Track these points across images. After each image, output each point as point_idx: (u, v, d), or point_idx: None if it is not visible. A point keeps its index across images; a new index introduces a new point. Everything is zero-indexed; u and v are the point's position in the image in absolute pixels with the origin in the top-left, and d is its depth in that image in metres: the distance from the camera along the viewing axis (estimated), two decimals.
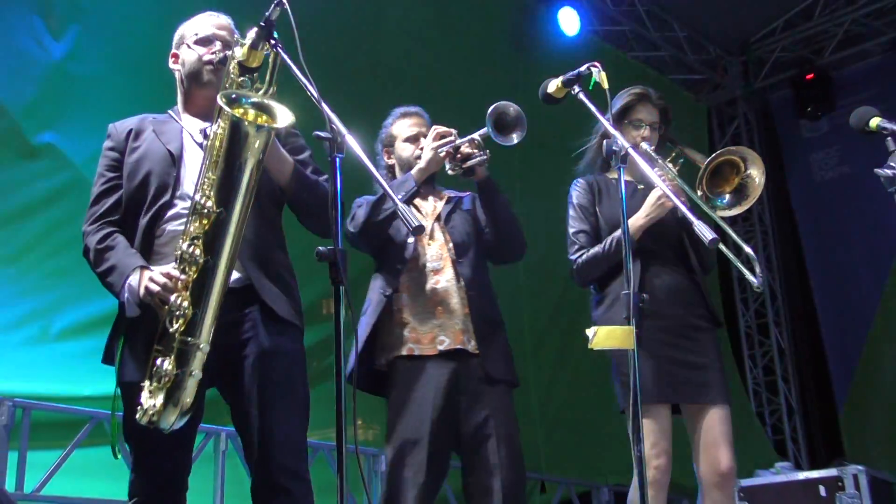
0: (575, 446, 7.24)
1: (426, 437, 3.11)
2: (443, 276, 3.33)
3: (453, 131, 3.34)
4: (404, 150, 3.51)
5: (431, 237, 3.40)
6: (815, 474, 5.31)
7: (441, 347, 3.23)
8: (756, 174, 3.35)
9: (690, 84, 10.17)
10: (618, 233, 3.36)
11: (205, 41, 2.84)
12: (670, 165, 3.56)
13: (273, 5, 2.44)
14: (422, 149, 3.41)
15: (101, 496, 4.51)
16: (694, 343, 3.37)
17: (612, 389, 3.47)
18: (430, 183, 3.49)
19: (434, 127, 3.39)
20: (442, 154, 3.30)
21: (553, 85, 2.91)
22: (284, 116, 2.45)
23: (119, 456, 2.62)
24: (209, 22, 2.90)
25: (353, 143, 2.25)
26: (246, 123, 2.41)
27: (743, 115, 10.45)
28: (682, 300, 3.41)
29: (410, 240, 3.34)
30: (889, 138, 2.73)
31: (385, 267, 3.37)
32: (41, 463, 4.40)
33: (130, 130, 2.86)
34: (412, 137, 3.51)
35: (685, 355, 3.35)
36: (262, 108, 2.48)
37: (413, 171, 3.35)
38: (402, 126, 3.57)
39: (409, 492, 3.08)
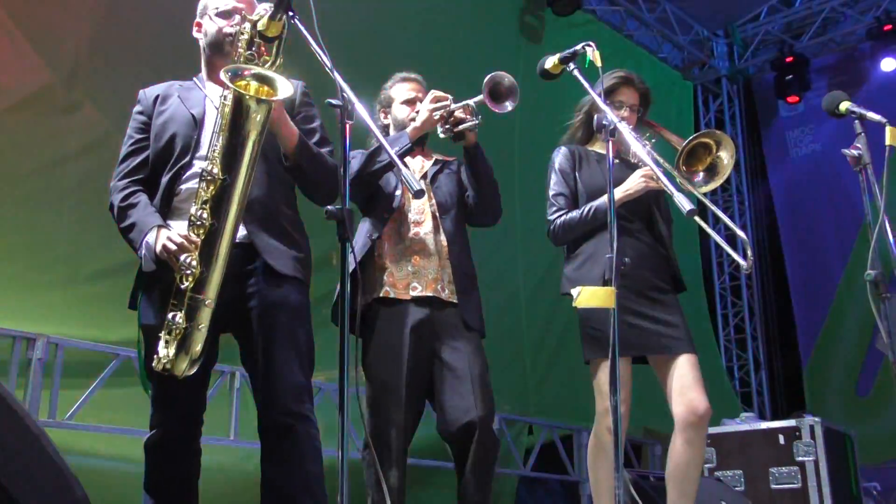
0: (560, 394, 7.29)
1: (403, 379, 3.11)
2: (422, 229, 3.31)
3: (449, 96, 3.30)
4: (400, 111, 3.48)
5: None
6: (775, 424, 5.35)
7: (414, 293, 3.21)
8: (725, 156, 3.38)
9: (677, 63, 10.10)
10: (596, 201, 3.37)
11: (225, 14, 2.81)
12: (647, 143, 3.57)
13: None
14: (417, 111, 3.39)
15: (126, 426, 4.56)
16: (659, 302, 3.41)
17: None
18: (421, 144, 3.46)
19: (431, 91, 3.36)
20: (437, 116, 3.27)
21: (550, 61, 2.88)
22: (285, 89, 2.44)
23: (148, 392, 2.63)
24: None
25: (361, 110, 2.24)
26: (247, 97, 2.41)
27: (726, 94, 10.40)
28: (648, 265, 3.44)
29: (398, 192, 3.32)
30: (857, 121, 2.72)
31: (372, 213, 3.35)
32: (72, 397, 4.44)
33: (158, 96, 2.85)
34: (409, 101, 3.48)
35: (652, 312, 3.38)
36: (264, 80, 2.47)
37: (408, 129, 3.32)
38: (400, 89, 3.53)
39: (390, 430, 3.08)
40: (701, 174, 3.41)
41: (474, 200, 3.40)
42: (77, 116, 5.28)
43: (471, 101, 3.24)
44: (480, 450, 3.07)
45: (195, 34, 2.92)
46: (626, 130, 2.74)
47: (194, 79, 2.91)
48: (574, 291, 2.49)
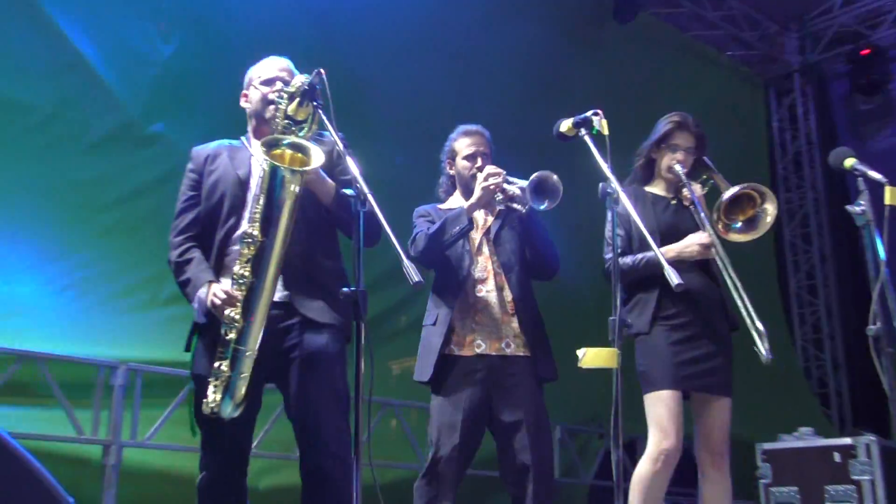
0: (625, 403, 7.38)
1: (459, 423, 3.37)
2: (485, 286, 3.53)
3: (502, 172, 3.51)
4: (463, 165, 3.71)
5: (479, 251, 3.60)
6: (831, 442, 5.37)
7: (478, 351, 3.46)
8: (770, 209, 3.50)
9: (747, 60, 10.02)
10: (650, 253, 3.46)
11: (269, 82, 3.06)
12: (697, 187, 3.73)
13: (314, 73, 2.68)
14: (478, 167, 3.62)
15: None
16: (709, 342, 3.53)
17: None
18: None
19: (486, 167, 3.57)
20: (491, 190, 3.49)
21: (565, 125, 3.04)
22: (317, 158, 2.69)
23: (196, 436, 2.91)
24: (273, 65, 3.13)
25: (372, 202, 2.46)
26: (283, 168, 2.66)
27: (799, 89, 10.24)
28: (703, 303, 3.57)
29: (466, 257, 3.56)
30: (860, 178, 2.82)
31: (444, 282, 3.59)
32: (152, 417, 4.81)
33: (208, 156, 3.12)
34: (471, 156, 3.70)
35: (697, 352, 3.51)
36: (298, 149, 2.73)
37: (465, 206, 3.53)
38: (462, 143, 3.75)
39: (444, 466, 3.35)
40: (740, 223, 3.54)
41: (531, 258, 3.61)
42: (152, 150, 5.67)
43: (520, 185, 3.45)
44: (538, 492, 3.31)
45: (243, 104, 3.18)
46: (627, 203, 2.90)
47: (241, 138, 3.17)
48: (580, 353, 2.68)
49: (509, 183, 3.51)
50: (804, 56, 10.05)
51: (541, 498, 3.31)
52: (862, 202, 2.74)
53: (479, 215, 3.67)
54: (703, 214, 3.62)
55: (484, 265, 3.57)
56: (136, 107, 5.66)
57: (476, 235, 3.63)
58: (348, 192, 2.51)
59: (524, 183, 3.42)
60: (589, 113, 2.96)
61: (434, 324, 3.54)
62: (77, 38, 5.46)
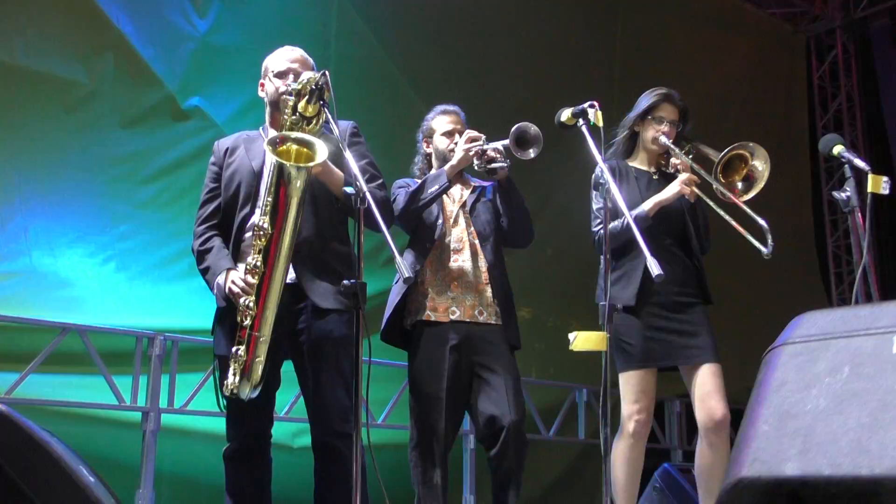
0: None
1: (443, 392, 3.48)
2: (461, 256, 3.64)
3: (482, 136, 3.63)
4: (440, 142, 3.81)
5: (456, 222, 3.71)
6: None
7: (453, 317, 3.57)
8: (760, 164, 3.58)
9: (789, 16, 9.90)
10: (634, 211, 3.56)
11: (282, 74, 3.21)
12: (685, 156, 3.77)
13: (320, 74, 2.85)
14: (456, 143, 3.72)
15: None
16: (685, 315, 3.66)
17: None
18: (460, 174, 3.78)
19: (466, 131, 3.69)
20: (471, 153, 3.61)
21: (565, 114, 3.14)
22: (322, 153, 2.83)
23: (222, 408, 3.12)
24: (285, 56, 3.27)
25: (371, 199, 2.60)
26: (288, 165, 2.82)
27: (841, 45, 10.11)
28: (677, 279, 3.67)
29: (439, 222, 3.66)
30: (846, 165, 2.91)
31: (416, 245, 3.70)
32: (188, 382, 5.08)
33: (227, 148, 3.30)
34: (448, 132, 3.81)
35: (679, 325, 3.65)
36: (304, 144, 2.87)
37: (446, 167, 3.65)
38: (440, 121, 3.86)
39: (432, 436, 3.48)
40: (740, 184, 3.64)
41: (507, 226, 3.71)
42: (190, 124, 5.88)
43: (499, 144, 3.56)
44: (512, 450, 3.42)
45: (260, 93, 3.33)
46: (617, 194, 3.02)
47: (260, 129, 3.33)
48: (571, 336, 2.83)
49: (489, 146, 3.62)
50: (847, 11, 9.91)
51: (518, 453, 3.43)
52: (848, 189, 2.83)
53: (456, 190, 3.78)
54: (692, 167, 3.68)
55: (460, 236, 3.67)
56: (173, 82, 5.85)
57: (453, 208, 3.73)
58: (348, 189, 2.67)
59: (505, 141, 3.54)
60: (586, 104, 3.07)
61: (397, 282, 3.68)
62: (115, 17, 5.65)
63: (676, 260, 3.72)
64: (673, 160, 3.79)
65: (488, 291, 3.64)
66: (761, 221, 3.48)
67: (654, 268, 2.74)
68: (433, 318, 3.59)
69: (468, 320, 3.59)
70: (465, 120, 3.87)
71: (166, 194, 5.77)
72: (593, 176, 3.85)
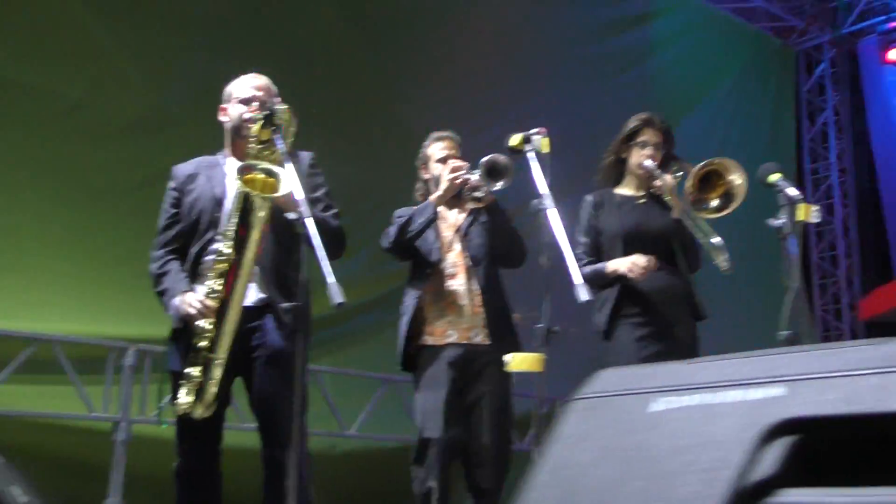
0: None
1: (441, 407, 3.58)
2: (455, 281, 3.73)
3: (466, 164, 3.73)
4: (436, 168, 3.90)
5: (451, 247, 3.80)
6: None
7: (448, 340, 3.67)
8: (737, 178, 3.57)
9: (778, 31, 9.99)
10: (601, 265, 3.71)
11: (245, 101, 3.26)
12: (669, 177, 3.78)
13: (275, 104, 2.99)
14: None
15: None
16: (672, 339, 3.69)
17: None
18: (457, 197, 3.85)
19: (449, 161, 3.78)
20: (457, 182, 3.72)
21: (515, 139, 3.21)
22: (285, 184, 2.88)
23: (163, 426, 3.19)
24: (249, 84, 3.31)
25: (310, 226, 2.67)
26: (253, 194, 2.90)
27: (829, 60, 10.20)
28: (667, 300, 3.71)
29: (435, 247, 3.75)
30: (780, 193, 2.99)
31: (416, 271, 3.81)
32: (164, 390, 5.14)
33: (188, 174, 3.32)
34: (443, 159, 3.88)
35: (662, 347, 3.66)
36: (270, 174, 2.94)
37: (432, 198, 3.76)
38: (435, 148, 3.93)
39: (431, 449, 3.56)
40: (716, 201, 3.60)
41: (498, 248, 3.79)
42: (170, 135, 5.94)
43: (478, 176, 3.67)
44: (490, 471, 3.55)
45: (221, 118, 3.34)
46: (558, 224, 3.06)
47: (218, 155, 3.35)
48: (507, 358, 2.92)
49: (472, 174, 3.71)
50: (835, 27, 10.00)
51: (494, 478, 3.54)
52: (783, 216, 2.91)
53: (452, 214, 3.86)
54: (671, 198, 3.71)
55: (454, 261, 3.76)
56: (157, 93, 5.94)
57: (448, 233, 3.81)
58: (291, 215, 2.73)
59: (478, 172, 3.63)
60: (533, 131, 3.15)
61: (404, 314, 3.79)
62: (101, 28, 5.75)
63: (665, 279, 3.75)
64: (656, 182, 3.81)
65: (482, 314, 3.71)
66: (716, 238, 3.55)
67: (583, 294, 2.82)
68: (430, 342, 3.70)
69: (464, 342, 3.68)
70: (460, 143, 3.95)
71: (148, 205, 5.79)
72: (582, 202, 3.91)
